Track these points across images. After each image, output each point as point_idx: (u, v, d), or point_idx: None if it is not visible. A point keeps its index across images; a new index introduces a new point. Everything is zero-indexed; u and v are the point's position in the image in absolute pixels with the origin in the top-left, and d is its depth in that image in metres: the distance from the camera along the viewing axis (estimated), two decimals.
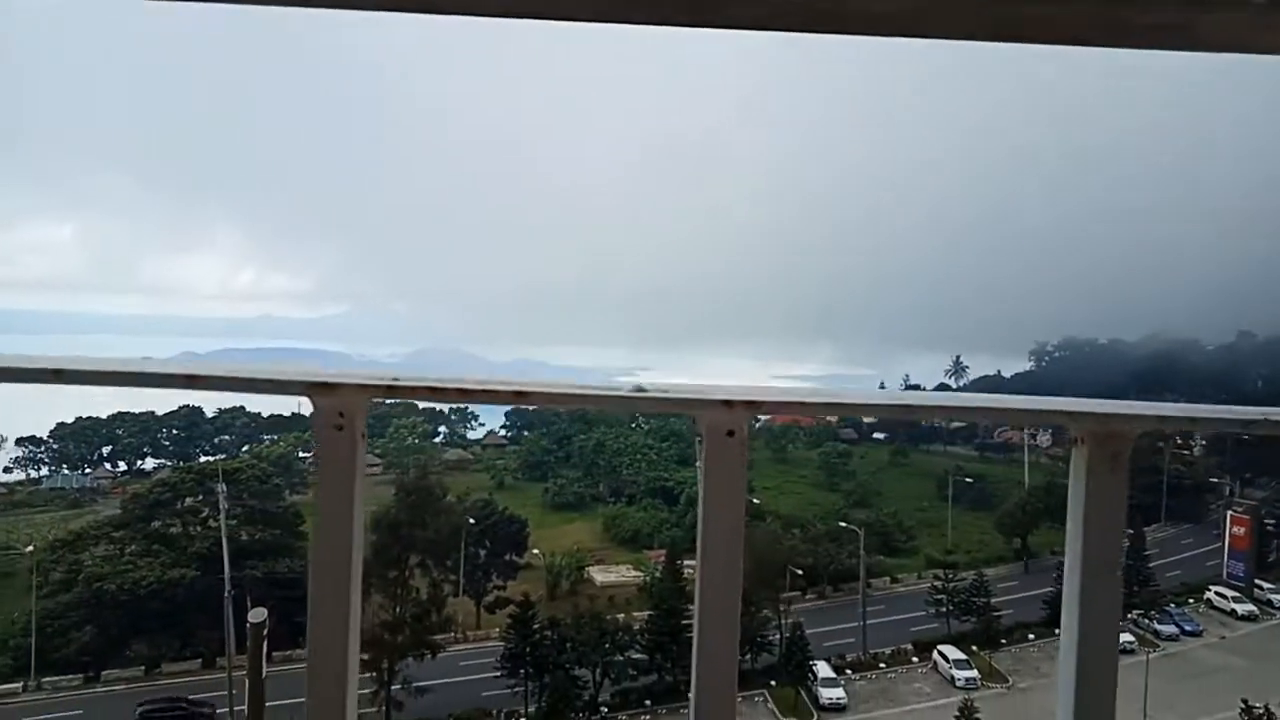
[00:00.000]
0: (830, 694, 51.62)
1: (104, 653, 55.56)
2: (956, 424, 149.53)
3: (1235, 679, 53.55)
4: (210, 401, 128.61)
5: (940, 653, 56.97)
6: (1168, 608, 65.56)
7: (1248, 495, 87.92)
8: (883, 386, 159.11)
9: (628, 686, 52.02)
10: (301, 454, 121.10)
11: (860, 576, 64.34)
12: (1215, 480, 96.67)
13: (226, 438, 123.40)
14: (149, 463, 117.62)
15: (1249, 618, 65.39)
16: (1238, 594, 66.96)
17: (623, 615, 57.45)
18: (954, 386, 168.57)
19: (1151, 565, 71.25)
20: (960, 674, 54.19)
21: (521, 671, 49.58)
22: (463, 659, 56.14)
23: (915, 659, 58.09)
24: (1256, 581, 69.45)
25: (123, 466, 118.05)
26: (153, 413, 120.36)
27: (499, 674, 50.16)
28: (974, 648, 57.82)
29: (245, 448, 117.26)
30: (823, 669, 53.50)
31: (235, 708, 43.86)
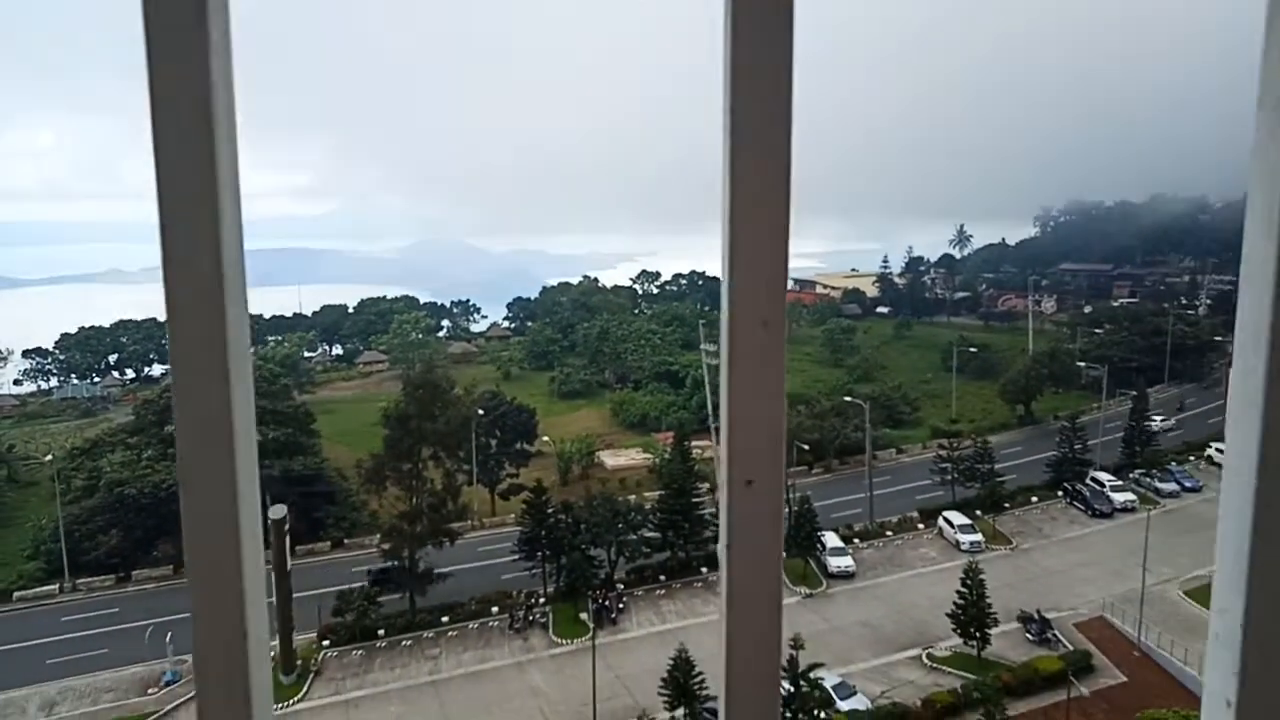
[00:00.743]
0: (838, 562, 53.22)
1: (132, 554, 57.23)
2: (961, 294, 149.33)
3: None
4: None
5: (945, 518, 58.41)
6: (1169, 466, 66.74)
7: None
8: (886, 261, 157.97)
9: (642, 564, 53.64)
10: (306, 354, 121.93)
11: (866, 449, 65.33)
12: (1219, 339, 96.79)
13: None
14: (156, 369, 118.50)
15: None
16: None
17: (634, 496, 58.74)
18: (958, 257, 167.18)
19: (1154, 425, 72.20)
20: (965, 538, 55.68)
21: (538, 554, 51.04)
22: (481, 545, 57.82)
23: (921, 526, 59.63)
24: None
25: (130, 374, 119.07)
26: (154, 319, 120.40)
27: (516, 557, 51.69)
28: (978, 512, 59.24)
29: (250, 349, 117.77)
30: (830, 539, 54.96)
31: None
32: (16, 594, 54.20)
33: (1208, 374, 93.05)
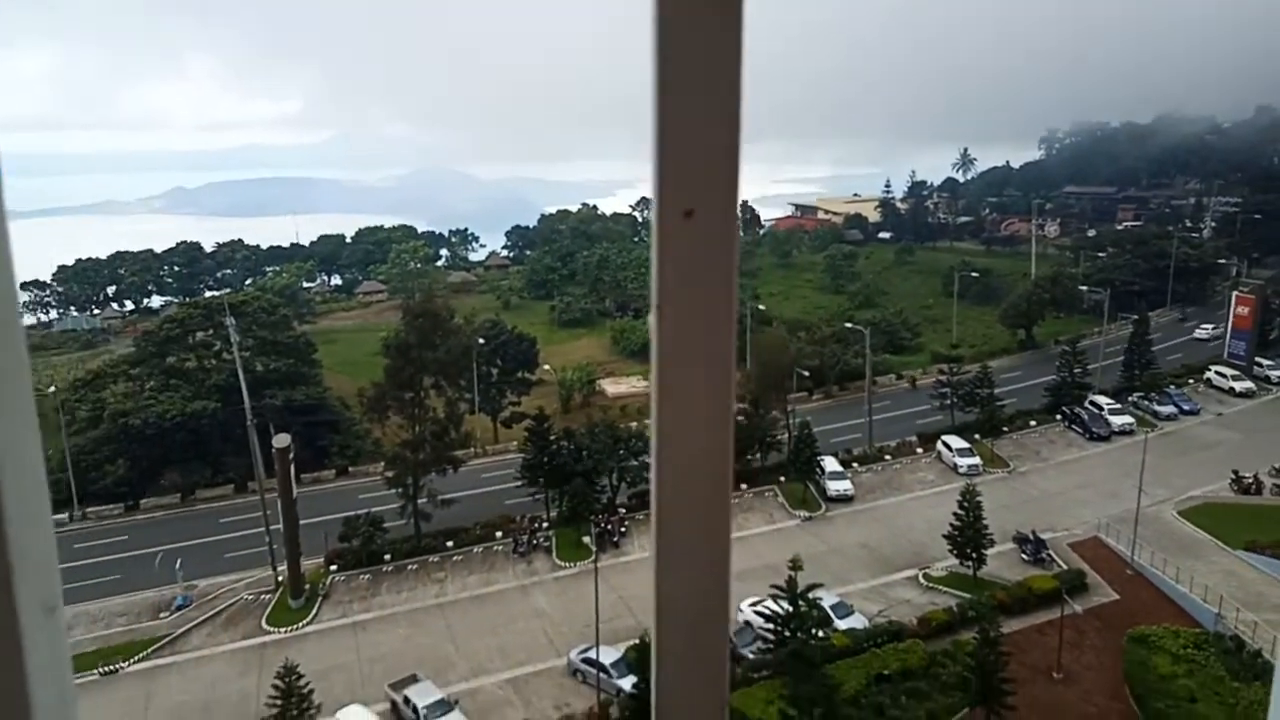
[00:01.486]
0: (837, 486, 53.81)
1: (139, 483, 57.95)
2: (963, 218, 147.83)
3: (1228, 452, 55.50)
4: (207, 235, 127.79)
5: (944, 442, 58.82)
6: (1167, 389, 66.94)
7: (1255, 275, 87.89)
8: (888, 185, 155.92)
9: (643, 488, 54.25)
10: (305, 283, 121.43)
11: (866, 375, 65.48)
12: (1223, 261, 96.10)
13: (229, 271, 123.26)
14: (155, 300, 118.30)
15: (1246, 394, 66.93)
16: (1237, 372, 68.18)
17: (635, 423, 59.08)
18: (961, 181, 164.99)
19: (1155, 348, 72.20)
20: (963, 461, 56.18)
21: (541, 480, 51.61)
22: (484, 471, 58.45)
23: (920, 450, 60.12)
24: (1256, 359, 70.53)
25: (129, 305, 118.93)
26: (151, 250, 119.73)
27: (520, 484, 52.28)
28: (977, 436, 59.66)
29: (248, 280, 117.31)
30: (830, 463, 55.45)
31: (270, 527, 46.08)
32: None
33: (1210, 297, 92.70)
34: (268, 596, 45.81)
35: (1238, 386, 66.90)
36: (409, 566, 48.10)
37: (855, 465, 57.79)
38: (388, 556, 48.29)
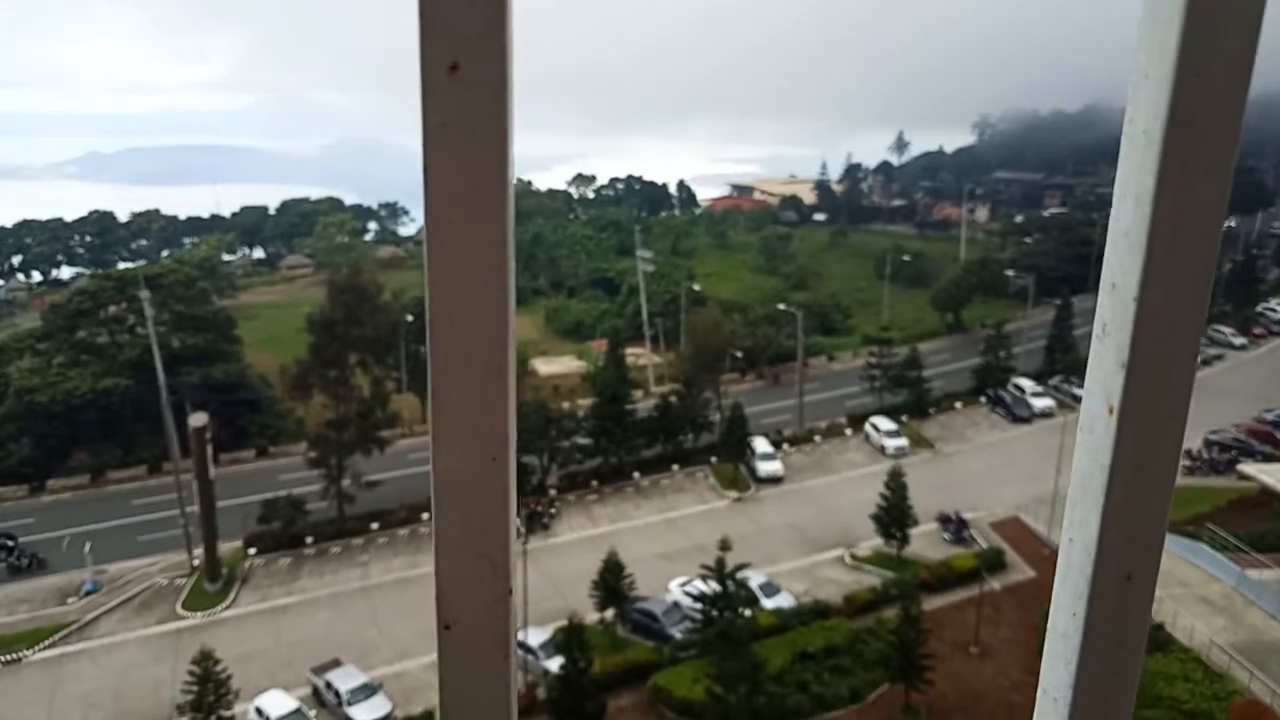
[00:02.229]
0: (767, 467, 54.26)
1: (46, 464, 55.47)
2: (897, 202, 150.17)
3: None
4: (121, 204, 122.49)
5: (872, 424, 59.77)
6: None
7: None
8: (824, 167, 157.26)
9: (574, 470, 53.96)
10: (225, 256, 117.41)
11: (798, 356, 66.06)
12: None
13: (144, 242, 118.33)
14: (65, 271, 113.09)
15: None
16: None
17: (567, 404, 58.63)
18: (896, 164, 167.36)
19: (1076, 333, 74.28)
20: (890, 443, 57.15)
21: None
22: (411, 452, 57.27)
23: (849, 431, 60.98)
24: None
25: (37, 276, 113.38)
26: (61, 219, 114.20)
27: None
28: (904, 418, 60.75)
29: (165, 252, 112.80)
30: (760, 444, 55.89)
31: (186, 509, 44.57)
32: None
33: None
34: (183, 581, 44.40)
35: None
36: (332, 549, 47.06)
37: (786, 446, 58.37)
38: (310, 539, 47.15)
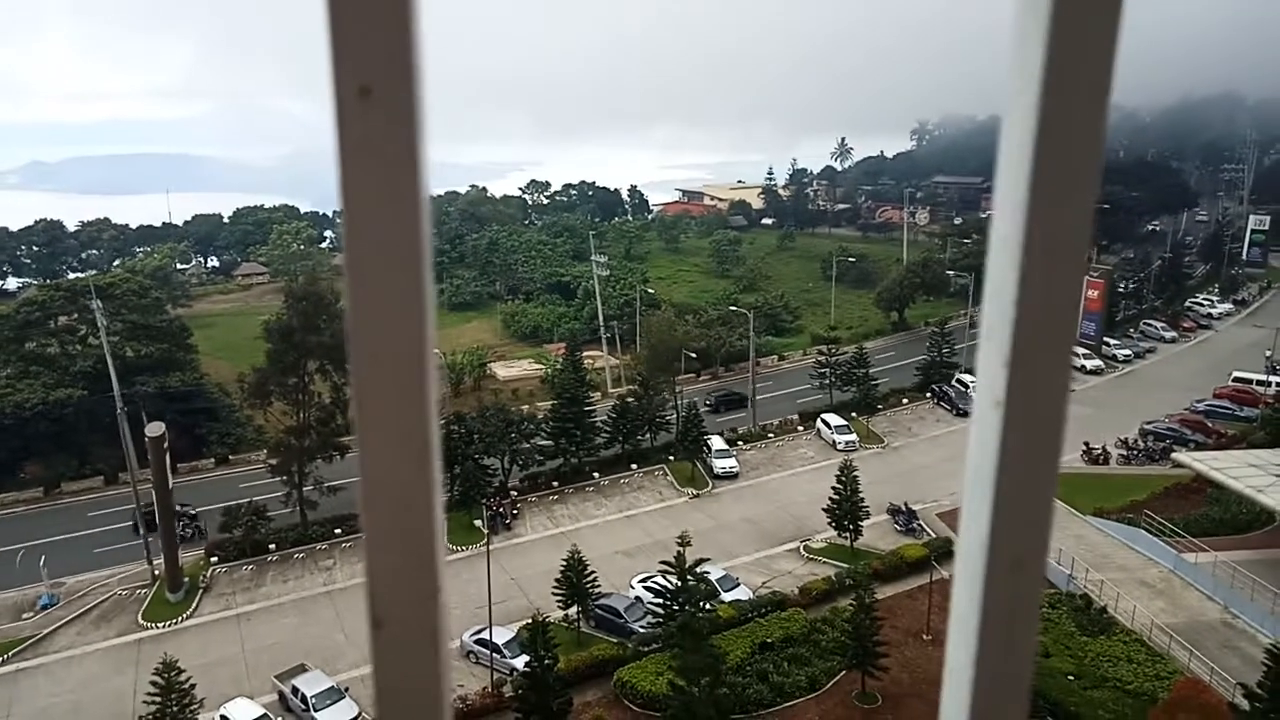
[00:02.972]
0: (723, 464, 55.55)
1: None
2: (841, 206, 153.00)
3: (1079, 426, 59.72)
4: (69, 213, 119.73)
5: (823, 420, 61.43)
6: None
7: (1103, 262, 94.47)
8: (771, 172, 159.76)
9: (535, 471, 54.67)
10: (179, 266, 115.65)
11: (750, 356, 67.56)
12: None
13: (95, 252, 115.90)
14: (10, 282, 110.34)
15: (1095, 372, 72.26)
16: (1087, 351, 73.38)
17: (527, 406, 59.33)
18: (839, 169, 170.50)
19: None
20: (840, 438, 58.83)
21: None
22: None
23: (800, 428, 62.58)
24: (1104, 339, 76.17)
25: None
26: (6, 228, 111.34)
27: None
28: (853, 414, 62.51)
29: (116, 262, 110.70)
30: (716, 442, 57.16)
31: (145, 518, 44.31)
32: None
33: None
34: (144, 591, 44.12)
35: (1088, 364, 72.04)
36: (295, 555, 47.16)
37: (740, 444, 59.74)
38: (272, 546, 47.21)
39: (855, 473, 44.25)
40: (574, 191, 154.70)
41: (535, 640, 32.06)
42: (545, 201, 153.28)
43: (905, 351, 77.49)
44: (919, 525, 47.26)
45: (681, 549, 33.69)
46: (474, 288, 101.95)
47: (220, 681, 36.42)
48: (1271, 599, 36.21)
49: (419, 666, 0.84)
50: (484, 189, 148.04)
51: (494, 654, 36.50)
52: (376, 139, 0.74)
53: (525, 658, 33.02)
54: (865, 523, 44.78)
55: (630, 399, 58.18)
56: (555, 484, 54.47)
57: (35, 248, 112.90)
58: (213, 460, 59.20)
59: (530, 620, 33.52)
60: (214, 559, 46.40)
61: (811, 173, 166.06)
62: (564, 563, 38.67)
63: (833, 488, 44.62)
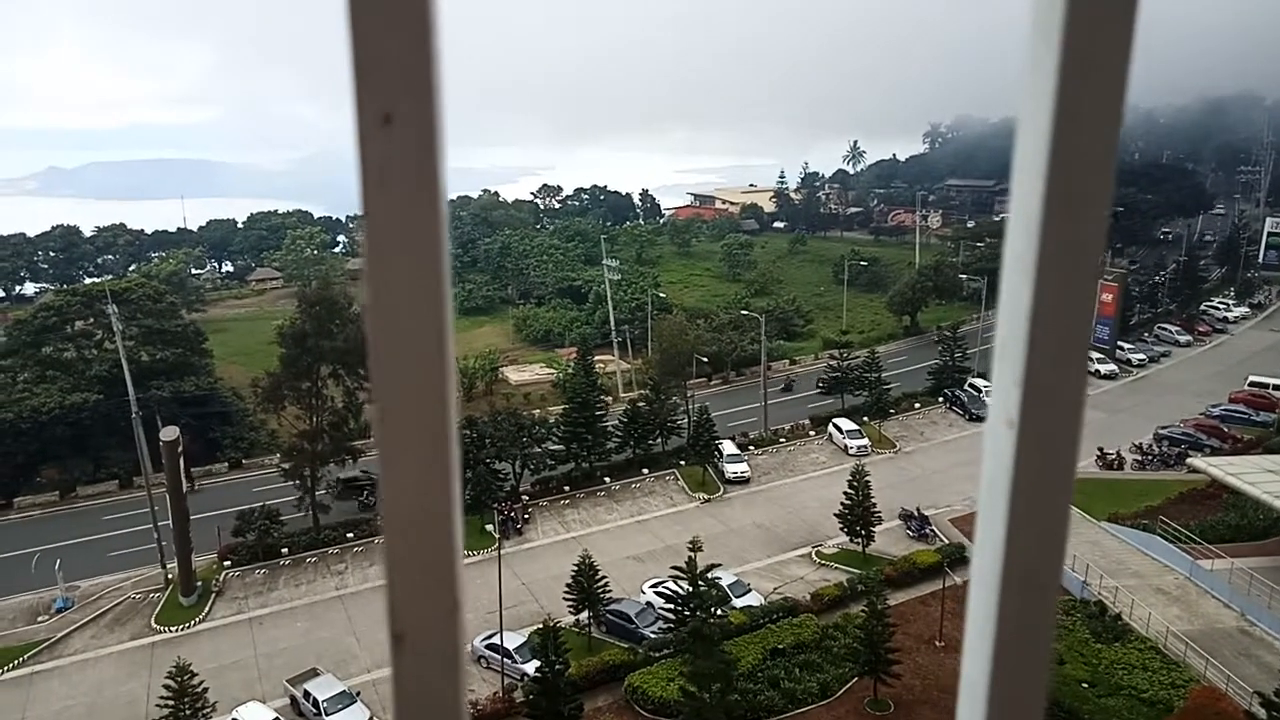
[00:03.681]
0: (734, 469, 55.42)
1: (13, 481, 55.00)
2: (853, 209, 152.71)
3: (1094, 430, 59.28)
4: (86, 219, 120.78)
5: (835, 425, 61.20)
6: None
7: (1116, 265, 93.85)
8: (783, 176, 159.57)
9: (546, 475, 54.70)
10: (194, 271, 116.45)
11: (761, 361, 67.45)
12: None
13: (111, 257, 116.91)
14: (29, 287, 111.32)
15: (1110, 376, 71.75)
16: (1101, 355, 72.88)
17: (538, 410, 59.39)
18: (851, 173, 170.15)
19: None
20: (853, 443, 58.62)
21: None
22: None
23: (813, 433, 62.38)
24: (1118, 343, 75.65)
25: None
26: (24, 234, 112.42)
27: None
28: (865, 419, 62.26)
29: (132, 267, 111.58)
30: (728, 447, 57.04)
31: (159, 523, 44.61)
32: None
33: None
34: (157, 595, 44.39)
35: (1102, 369, 71.54)
36: (308, 559, 47.33)
37: (752, 448, 59.59)
38: (285, 550, 47.39)
39: (867, 478, 44.04)
40: (585, 196, 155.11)
41: (546, 645, 32.09)
42: (557, 206, 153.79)
43: (917, 356, 77.18)
44: (931, 531, 47.01)
45: (693, 554, 33.62)
46: (486, 292, 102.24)
47: (232, 685, 36.62)
48: None
49: (438, 681, 0.86)
50: (496, 194, 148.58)
51: (505, 659, 36.50)
52: (397, 163, 0.76)
53: (536, 663, 33.05)
54: (877, 528, 44.59)
55: (642, 403, 58.17)
56: (566, 488, 54.48)
57: (53, 253, 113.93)
58: (226, 464, 59.52)
59: (541, 625, 33.55)
60: (227, 563, 46.63)
61: (823, 176, 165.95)
62: (575, 568, 38.68)
63: (844, 493, 44.44)
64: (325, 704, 34.79)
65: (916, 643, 37.80)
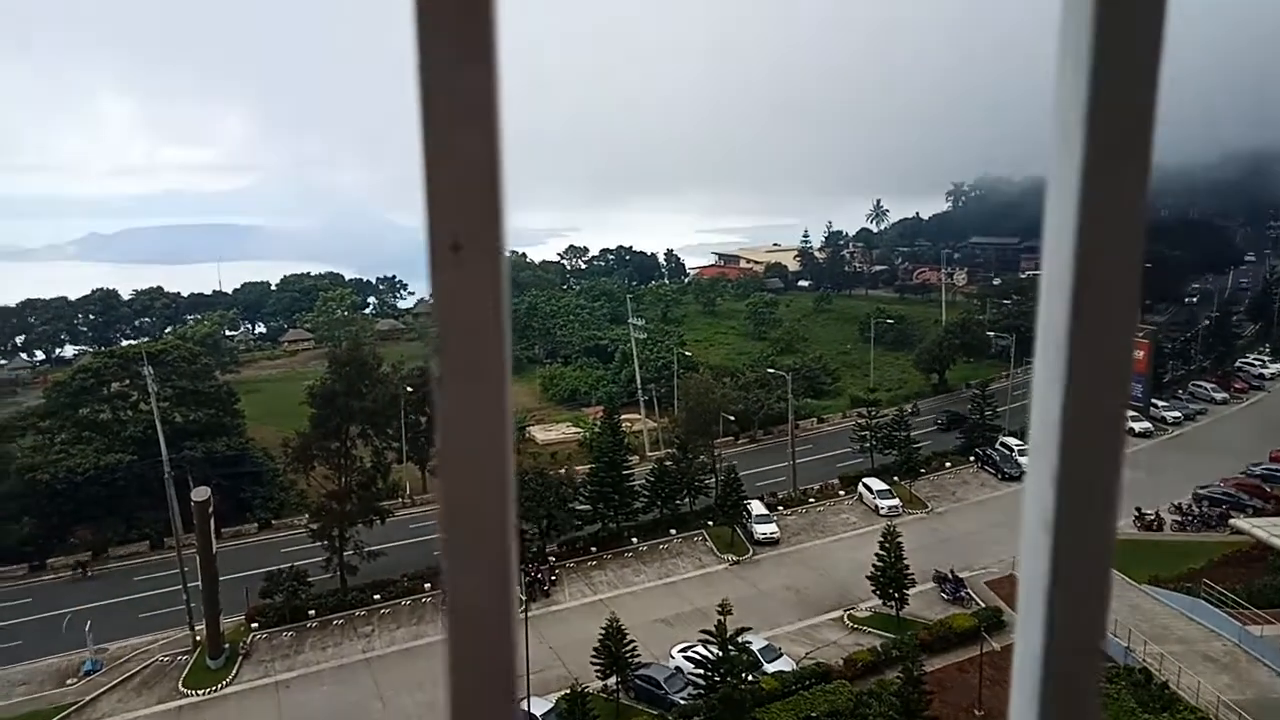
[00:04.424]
0: (763, 529, 54.83)
1: (46, 541, 55.56)
2: (878, 267, 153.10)
3: (1131, 490, 58.32)
4: (124, 283, 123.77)
5: (865, 485, 60.55)
6: None
7: (1148, 321, 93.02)
8: (806, 235, 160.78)
9: (573, 536, 54.39)
10: (228, 333, 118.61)
11: (788, 419, 67.12)
12: None
13: (147, 320, 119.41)
14: (68, 350, 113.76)
15: (1145, 434, 70.56)
16: (1135, 413, 71.84)
17: (565, 470, 59.28)
18: (875, 231, 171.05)
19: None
20: (883, 503, 57.89)
21: None
22: (412, 522, 57.74)
23: (842, 492, 61.70)
24: (1152, 401, 74.54)
25: (40, 355, 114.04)
26: (65, 298, 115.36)
27: None
28: (895, 478, 61.56)
29: (168, 329, 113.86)
30: (756, 507, 56.49)
31: (189, 584, 44.72)
32: None
33: None
34: (185, 658, 44.30)
35: (1137, 427, 70.45)
36: (334, 621, 47.13)
37: (780, 508, 59.00)
38: (312, 612, 47.25)
39: (899, 538, 43.40)
40: (611, 256, 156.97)
41: (574, 711, 31.64)
42: (583, 266, 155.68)
43: (946, 414, 76.44)
44: (967, 594, 46.07)
45: (722, 618, 33.20)
46: (513, 352, 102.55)
47: None
48: None
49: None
50: (524, 254, 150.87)
51: None
52: (465, 288, 0.82)
53: None
54: (911, 591, 43.75)
55: (669, 462, 57.95)
56: (594, 549, 54.09)
57: (92, 316, 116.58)
58: (256, 525, 59.79)
59: (569, 690, 33.10)
60: (255, 624, 46.55)
61: (847, 235, 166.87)
62: (603, 631, 38.20)
63: (876, 554, 43.78)
64: None
65: (955, 711, 36.83)
